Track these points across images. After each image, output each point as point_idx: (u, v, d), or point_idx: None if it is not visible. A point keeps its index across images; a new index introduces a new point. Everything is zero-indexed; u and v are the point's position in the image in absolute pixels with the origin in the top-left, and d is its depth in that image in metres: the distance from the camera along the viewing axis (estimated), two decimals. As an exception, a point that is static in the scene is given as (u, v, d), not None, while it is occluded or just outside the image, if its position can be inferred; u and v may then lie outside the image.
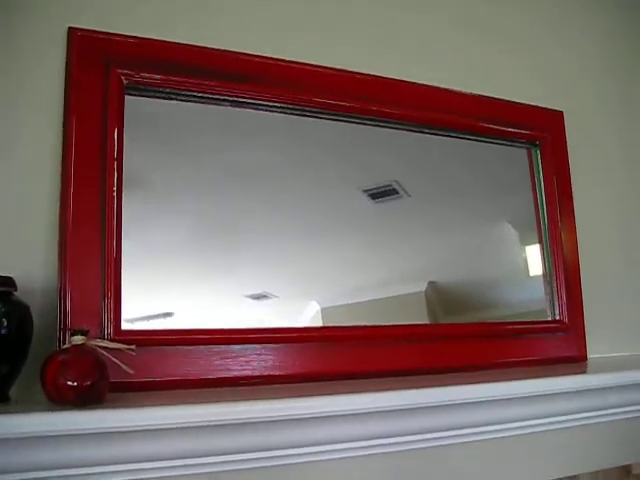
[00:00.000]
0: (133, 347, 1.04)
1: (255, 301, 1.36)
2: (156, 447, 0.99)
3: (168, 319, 1.26)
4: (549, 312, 1.69)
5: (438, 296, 1.58)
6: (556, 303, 1.69)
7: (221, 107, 1.36)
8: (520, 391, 1.28)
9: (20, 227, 1.16)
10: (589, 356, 1.71)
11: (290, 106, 1.43)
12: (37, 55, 1.22)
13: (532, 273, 1.74)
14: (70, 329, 1.04)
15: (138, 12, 1.33)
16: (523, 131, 1.74)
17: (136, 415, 0.95)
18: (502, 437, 1.33)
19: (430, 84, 1.62)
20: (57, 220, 1.17)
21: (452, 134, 1.64)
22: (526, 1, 1.90)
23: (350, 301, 1.47)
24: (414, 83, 1.59)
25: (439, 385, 1.21)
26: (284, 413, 1.05)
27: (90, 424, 0.91)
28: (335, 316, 1.43)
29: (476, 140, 1.68)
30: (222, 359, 1.24)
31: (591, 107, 1.96)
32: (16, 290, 1.02)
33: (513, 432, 1.34)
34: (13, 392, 1.02)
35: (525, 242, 1.76)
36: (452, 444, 1.28)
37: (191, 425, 0.98)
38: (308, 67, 1.45)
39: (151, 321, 1.25)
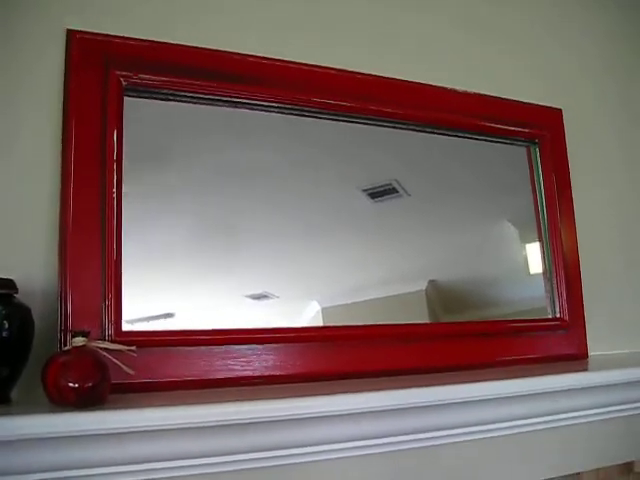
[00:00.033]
0: (134, 348, 1.04)
1: (255, 301, 1.36)
2: (157, 448, 0.99)
3: (169, 320, 1.26)
4: (549, 310, 1.69)
5: (438, 295, 1.58)
6: (556, 301, 1.69)
7: (220, 108, 1.36)
8: (521, 389, 1.28)
9: (20, 229, 1.16)
10: (590, 354, 1.71)
11: (289, 106, 1.43)
12: (36, 55, 1.22)
13: (533, 271, 1.74)
14: (71, 331, 1.05)
15: (137, 13, 1.33)
16: (522, 129, 1.74)
17: (137, 416, 0.95)
18: (503, 435, 1.33)
19: (429, 83, 1.62)
20: (57, 222, 1.17)
21: (451, 133, 1.64)
22: (526, 1, 1.90)
23: (350, 300, 1.47)
24: (413, 82, 1.59)
25: (436, 384, 1.21)
26: (282, 413, 1.05)
27: (91, 425, 0.91)
28: (335, 316, 1.43)
29: (475, 139, 1.69)
30: (223, 359, 1.24)
31: (591, 107, 1.96)
32: (17, 292, 1.02)
33: (514, 430, 1.34)
34: (14, 394, 1.02)
35: (525, 240, 1.76)
36: (452, 443, 1.27)
37: (192, 426, 0.99)
38: (307, 67, 1.45)
39: (152, 322, 1.25)
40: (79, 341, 0.98)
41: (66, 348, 1.01)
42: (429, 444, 1.24)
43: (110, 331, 1.15)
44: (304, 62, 1.45)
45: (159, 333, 1.22)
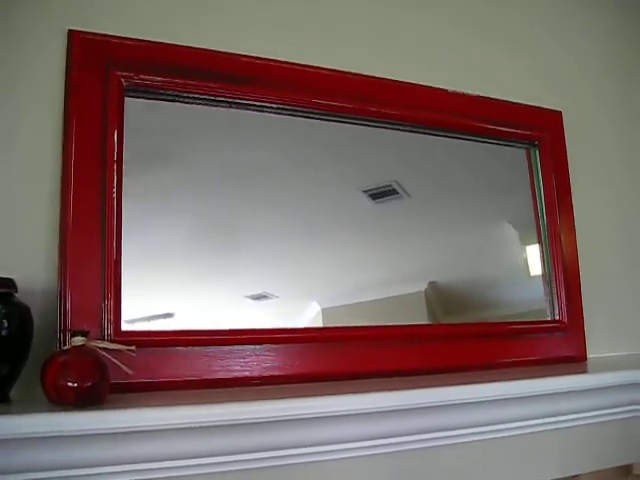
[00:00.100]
0: (133, 348, 1.04)
1: (255, 301, 1.36)
2: (157, 448, 0.99)
3: (168, 320, 1.26)
4: (549, 312, 1.70)
5: (438, 296, 1.58)
6: (555, 303, 1.69)
7: (220, 108, 1.37)
8: (520, 391, 1.29)
9: (20, 229, 1.17)
10: (589, 356, 1.71)
11: (289, 107, 1.43)
12: (37, 55, 1.22)
13: (533, 273, 1.74)
14: (70, 330, 1.05)
15: (138, 14, 1.33)
16: (522, 131, 1.74)
17: (137, 416, 0.95)
18: (502, 437, 1.33)
19: (430, 85, 1.62)
20: (57, 221, 1.17)
21: (452, 134, 1.65)
22: (526, 1, 1.90)
23: (350, 301, 1.47)
24: (413, 84, 1.59)
25: (441, 385, 1.21)
26: (288, 413, 1.05)
27: (91, 425, 0.92)
28: (335, 316, 1.43)
29: (476, 140, 1.69)
30: (222, 360, 1.24)
31: (591, 106, 1.96)
32: (16, 291, 1.03)
33: (513, 432, 1.34)
34: (13, 393, 1.02)
35: (525, 242, 1.76)
36: (453, 444, 1.27)
37: (192, 426, 0.99)
38: (308, 69, 1.46)
39: (151, 322, 1.25)
40: (78, 340, 0.98)
41: (65, 347, 1.01)
42: (431, 445, 1.24)
43: (109, 331, 1.15)
44: (304, 63, 1.46)
45: (158, 333, 1.22)
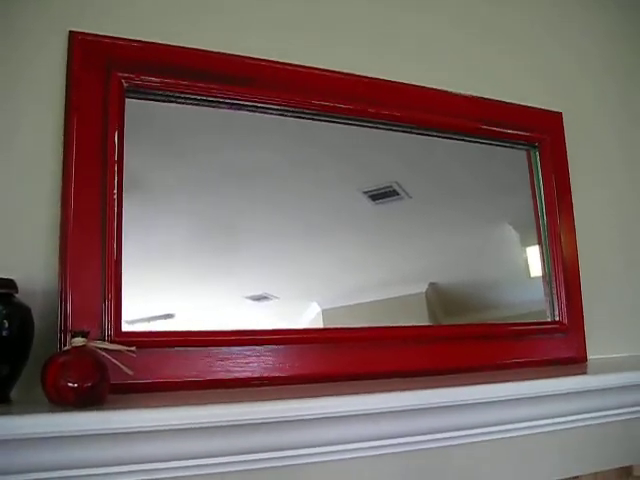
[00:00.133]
0: (133, 349, 1.04)
1: (255, 302, 1.36)
2: (157, 448, 0.99)
3: (169, 320, 1.26)
4: (549, 313, 1.69)
5: (439, 297, 1.58)
6: (555, 304, 1.69)
7: (221, 109, 1.37)
8: (531, 391, 1.29)
9: (21, 229, 1.17)
10: (589, 357, 1.71)
11: (289, 108, 1.43)
12: (38, 56, 1.23)
13: (533, 274, 1.74)
14: (71, 331, 1.05)
15: (139, 15, 1.33)
16: (522, 133, 1.74)
17: (137, 416, 0.95)
18: (503, 438, 1.33)
19: (429, 86, 1.62)
20: (58, 222, 1.17)
21: (452, 136, 1.65)
22: (526, 1, 1.90)
23: (351, 302, 1.47)
24: (414, 85, 1.59)
25: (452, 385, 1.22)
26: (294, 413, 1.06)
27: (91, 425, 0.92)
28: (336, 317, 1.43)
29: (476, 142, 1.69)
30: (222, 361, 1.24)
31: (591, 106, 1.96)
32: (17, 292, 1.03)
33: (515, 433, 1.34)
34: (14, 393, 1.03)
35: (526, 243, 1.76)
36: (457, 444, 1.28)
37: (192, 427, 0.99)
38: (307, 70, 1.46)
39: (152, 322, 1.25)
40: (79, 341, 0.98)
41: (66, 348, 1.01)
42: (438, 445, 1.25)
43: (110, 331, 1.15)
44: (304, 63, 1.46)
45: (158, 334, 1.22)
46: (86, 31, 1.24)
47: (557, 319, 1.68)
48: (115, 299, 1.17)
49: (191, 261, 1.31)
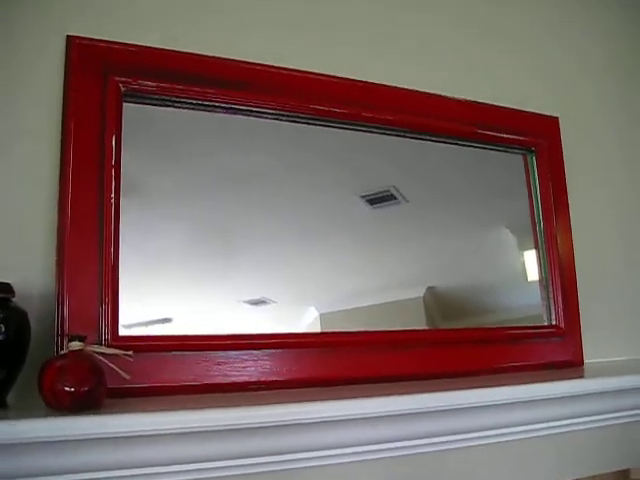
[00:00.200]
0: (130, 353, 1.04)
1: (253, 307, 1.36)
2: (154, 452, 0.99)
3: (166, 325, 1.26)
4: (545, 317, 1.69)
5: (436, 301, 1.58)
6: (552, 308, 1.69)
7: (217, 114, 1.37)
8: (524, 395, 1.29)
9: (18, 233, 1.17)
10: (586, 361, 1.71)
11: (285, 113, 1.43)
12: (36, 61, 1.23)
13: (530, 278, 1.74)
14: (68, 335, 1.05)
15: (136, 20, 1.34)
16: (518, 137, 1.74)
17: (134, 420, 0.95)
18: (500, 442, 1.33)
19: (428, 88, 1.62)
20: (55, 226, 1.17)
21: (449, 140, 1.65)
22: (526, 1, 1.91)
23: (348, 306, 1.47)
24: (409, 90, 1.59)
25: (449, 389, 1.22)
26: (292, 418, 1.06)
27: (88, 429, 0.92)
28: (333, 321, 1.43)
29: (473, 146, 1.69)
30: (220, 365, 1.24)
31: (591, 107, 1.96)
32: (14, 296, 1.03)
33: (511, 437, 1.34)
34: (10, 398, 1.02)
35: (523, 247, 1.76)
36: (454, 448, 1.28)
37: (189, 431, 0.99)
38: (303, 74, 1.46)
39: (149, 327, 1.25)
40: (76, 345, 0.98)
41: (62, 352, 1.01)
42: (431, 449, 1.25)
43: (107, 336, 1.15)
44: (301, 68, 1.46)
45: (156, 338, 1.22)
46: (84, 35, 1.24)
47: (554, 323, 1.69)
48: (112, 303, 1.17)
49: (188, 265, 1.31)
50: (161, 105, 1.31)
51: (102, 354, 1.01)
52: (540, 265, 1.72)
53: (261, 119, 1.41)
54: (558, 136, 1.82)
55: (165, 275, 1.28)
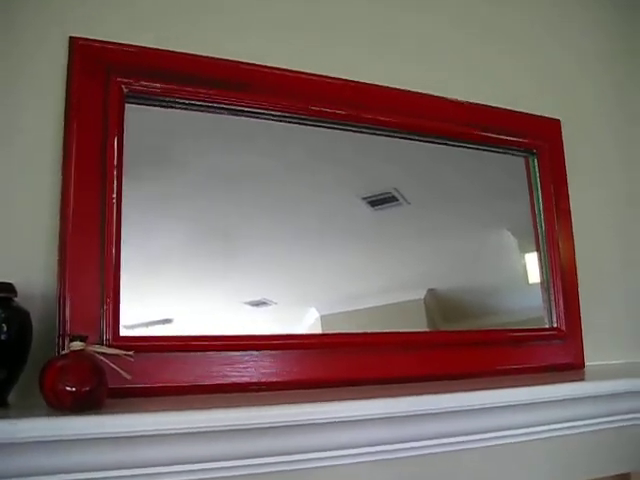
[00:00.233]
0: (131, 353, 1.04)
1: (254, 308, 1.37)
2: (155, 453, 0.99)
3: (167, 325, 1.27)
4: (547, 320, 1.69)
5: (437, 303, 1.58)
6: (553, 311, 1.69)
7: (219, 115, 1.37)
8: (525, 398, 1.29)
9: (20, 233, 1.17)
10: (587, 363, 1.70)
11: (288, 114, 1.43)
12: (38, 60, 1.23)
13: (532, 280, 1.74)
14: (69, 335, 1.05)
15: (139, 21, 1.34)
16: (520, 139, 1.74)
17: (135, 421, 0.95)
18: (500, 444, 1.33)
19: (428, 89, 1.62)
20: (57, 227, 1.18)
21: (451, 142, 1.65)
22: (526, 1, 1.90)
23: (349, 308, 1.47)
24: (412, 92, 1.59)
25: (449, 391, 1.22)
26: (310, 417, 1.06)
27: (89, 429, 0.92)
28: (334, 323, 1.43)
29: (475, 148, 1.69)
30: (220, 365, 1.25)
31: (590, 107, 1.96)
32: (16, 296, 1.03)
33: (510, 440, 1.34)
34: (12, 397, 1.03)
35: (524, 249, 1.76)
36: (452, 451, 1.28)
37: (189, 431, 0.99)
38: (305, 75, 1.46)
39: (150, 327, 1.25)
40: (77, 345, 0.98)
41: (64, 352, 1.01)
42: (434, 451, 1.25)
43: (108, 336, 1.16)
44: (302, 64, 1.46)
45: (157, 338, 1.23)
46: (86, 36, 1.25)
47: (555, 325, 1.68)
48: (113, 304, 1.17)
49: (189, 266, 1.31)
50: (163, 106, 1.32)
51: (103, 354, 1.01)
52: (541, 267, 1.72)
53: (261, 120, 1.42)
54: (560, 138, 1.82)
55: (165, 275, 1.28)
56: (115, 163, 1.23)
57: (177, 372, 1.21)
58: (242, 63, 1.39)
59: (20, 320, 1.02)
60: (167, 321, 1.27)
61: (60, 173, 1.20)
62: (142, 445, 0.97)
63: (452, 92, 1.66)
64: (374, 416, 1.13)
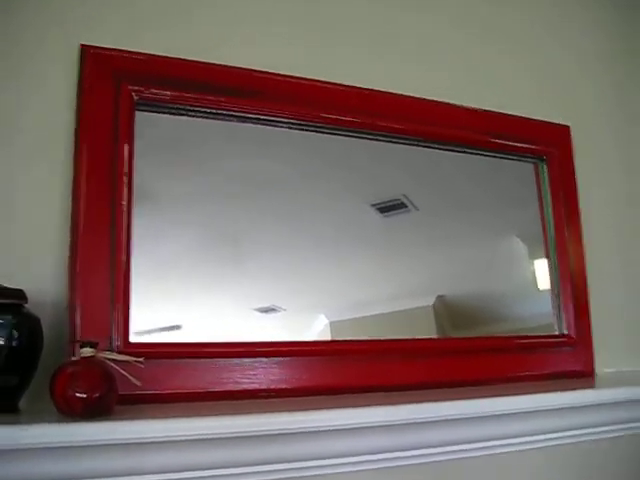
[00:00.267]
0: (141, 360, 1.05)
1: (263, 314, 1.37)
2: (165, 459, 1.00)
3: (176, 332, 1.27)
4: (556, 327, 1.68)
5: (446, 310, 1.58)
6: (563, 318, 1.68)
7: (230, 122, 1.37)
8: (530, 405, 1.29)
9: (31, 240, 1.18)
10: (598, 371, 1.70)
11: (298, 122, 1.44)
12: (49, 69, 1.24)
13: (542, 287, 1.73)
14: (79, 341, 1.05)
15: (149, 29, 1.34)
16: (529, 146, 1.74)
17: (144, 427, 0.96)
18: (501, 452, 1.33)
19: (432, 93, 1.61)
20: (68, 233, 1.18)
21: (459, 149, 1.65)
22: (526, 1, 1.90)
23: (358, 315, 1.47)
24: (419, 98, 1.59)
25: (458, 398, 1.22)
26: (317, 424, 1.07)
27: (99, 436, 0.92)
28: (343, 330, 1.43)
29: (484, 154, 1.69)
30: (230, 372, 1.25)
31: (590, 107, 1.95)
32: (27, 302, 1.03)
33: (512, 448, 1.34)
34: (23, 403, 1.03)
35: (534, 256, 1.75)
36: (460, 458, 1.28)
37: (200, 438, 0.99)
38: (316, 83, 1.46)
39: (160, 334, 1.25)
40: (87, 352, 0.99)
41: (74, 358, 1.01)
42: (428, 460, 1.25)
43: (118, 342, 1.16)
44: (312, 78, 1.46)
45: (166, 345, 1.23)
46: (97, 45, 1.26)
47: (565, 332, 1.68)
48: (123, 310, 1.18)
49: (200, 272, 1.31)
50: (175, 114, 1.32)
51: (113, 360, 1.01)
52: (551, 274, 1.71)
53: (275, 127, 1.42)
54: (569, 144, 1.81)
55: (175, 281, 1.28)
56: (125, 170, 1.23)
57: (187, 379, 1.21)
58: (255, 71, 1.40)
59: (31, 326, 1.02)
60: (176, 327, 1.27)
61: (71, 180, 1.20)
62: (152, 451, 0.98)
63: (452, 92, 1.65)
64: (374, 424, 1.13)
